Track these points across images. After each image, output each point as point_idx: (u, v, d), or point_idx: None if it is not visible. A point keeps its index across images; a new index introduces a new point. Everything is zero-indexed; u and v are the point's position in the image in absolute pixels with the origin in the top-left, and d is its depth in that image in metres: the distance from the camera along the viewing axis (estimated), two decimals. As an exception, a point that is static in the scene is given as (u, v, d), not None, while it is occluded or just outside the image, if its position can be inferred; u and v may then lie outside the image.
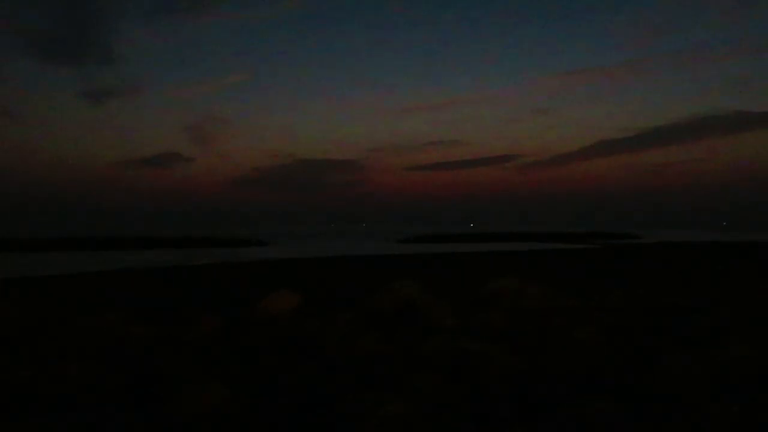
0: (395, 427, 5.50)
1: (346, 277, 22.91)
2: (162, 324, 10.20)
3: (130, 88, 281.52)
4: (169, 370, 7.54)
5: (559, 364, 7.49)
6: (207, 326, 9.66)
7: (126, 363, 7.87)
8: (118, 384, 7.02)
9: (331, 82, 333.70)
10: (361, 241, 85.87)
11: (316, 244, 74.43)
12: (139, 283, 21.78)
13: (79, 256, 47.76)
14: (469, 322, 10.24)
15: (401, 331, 9.54)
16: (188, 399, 6.14)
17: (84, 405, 6.50)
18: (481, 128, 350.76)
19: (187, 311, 11.91)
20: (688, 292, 15.85)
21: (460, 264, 32.48)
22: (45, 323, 9.97)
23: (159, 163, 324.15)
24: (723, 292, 15.85)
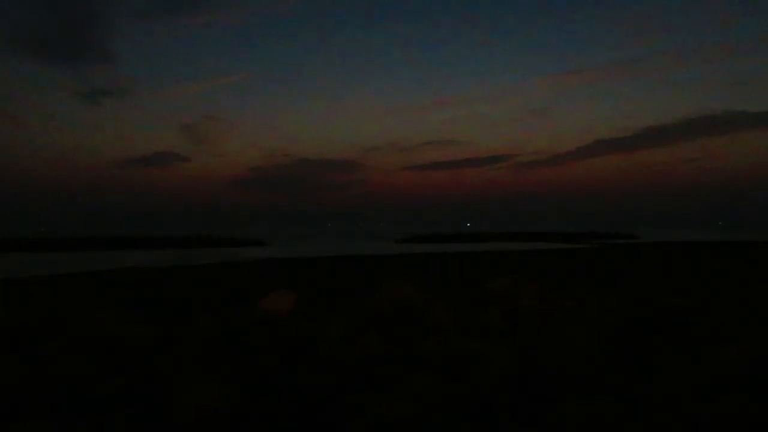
0: (394, 427, 5.52)
1: (344, 277, 22.92)
2: (160, 324, 10.20)
3: (126, 87, 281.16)
4: (167, 371, 7.55)
5: (556, 364, 7.52)
6: (205, 326, 9.67)
7: (124, 363, 7.88)
8: (115, 384, 7.03)
9: (329, 82, 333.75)
10: (359, 241, 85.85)
11: (314, 244, 74.40)
12: (136, 283, 21.76)
13: (75, 256, 47.67)
14: (467, 321, 10.27)
15: (399, 331, 9.56)
16: (187, 399, 6.16)
17: (81, 406, 6.51)
18: (478, 128, 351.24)
19: (185, 311, 11.91)
20: (686, 291, 15.90)
21: (458, 264, 32.51)
22: (42, 323, 9.96)
23: (156, 163, 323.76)
24: (721, 292, 15.90)
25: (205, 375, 7.26)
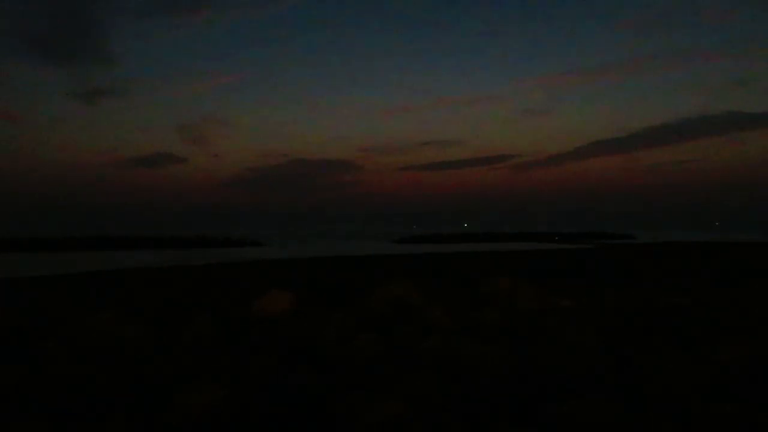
0: (392, 428, 5.48)
1: (342, 278, 22.88)
2: (157, 324, 10.16)
3: (122, 87, 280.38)
4: (165, 371, 7.51)
5: (554, 365, 7.49)
6: (202, 326, 9.63)
7: (122, 364, 7.83)
8: (113, 385, 6.98)
9: (326, 82, 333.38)
10: (357, 242, 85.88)
11: (311, 245, 74.40)
12: (133, 283, 21.70)
13: (72, 257, 47.58)
14: (464, 322, 10.24)
15: (398, 331, 9.53)
16: (183, 400, 6.11)
17: (79, 407, 6.46)
18: (475, 128, 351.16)
19: (182, 311, 11.86)
20: (684, 291, 15.90)
21: (455, 264, 32.51)
22: (37, 323, 9.92)
23: (152, 163, 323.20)
24: (719, 291, 15.90)
25: (203, 375, 7.22)
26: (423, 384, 6.66)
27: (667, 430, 5.41)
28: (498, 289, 12.41)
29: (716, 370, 6.92)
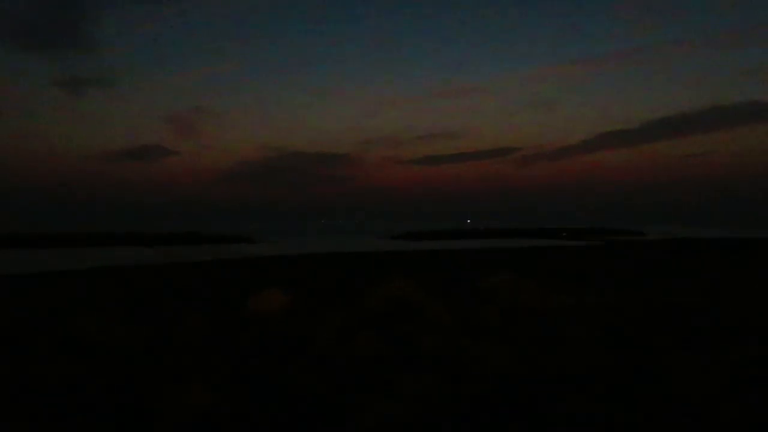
0: (391, 430, 5.57)
1: (338, 275, 22.95)
2: (148, 324, 10.23)
3: (110, 77, 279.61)
4: (155, 372, 7.59)
5: (557, 364, 7.57)
6: (193, 326, 9.70)
7: (111, 365, 7.91)
8: (102, 387, 7.06)
9: (323, 72, 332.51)
10: (353, 238, 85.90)
11: (307, 241, 74.43)
12: (122, 281, 21.77)
13: (58, 253, 47.59)
14: (466, 320, 10.32)
15: (396, 329, 9.61)
16: (175, 401, 6.20)
17: (66, 409, 6.54)
18: (479, 120, 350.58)
19: (173, 311, 11.94)
20: (694, 290, 15.96)
21: (456, 261, 32.58)
22: (23, 323, 9.98)
23: (141, 157, 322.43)
24: (731, 290, 15.96)
25: (195, 376, 7.30)
26: (423, 384, 6.74)
27: None
28: (499, 286, 12.49)
29: (727, 372, 6.97)
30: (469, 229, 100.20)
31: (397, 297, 10.92)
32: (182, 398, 6.21)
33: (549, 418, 5.83)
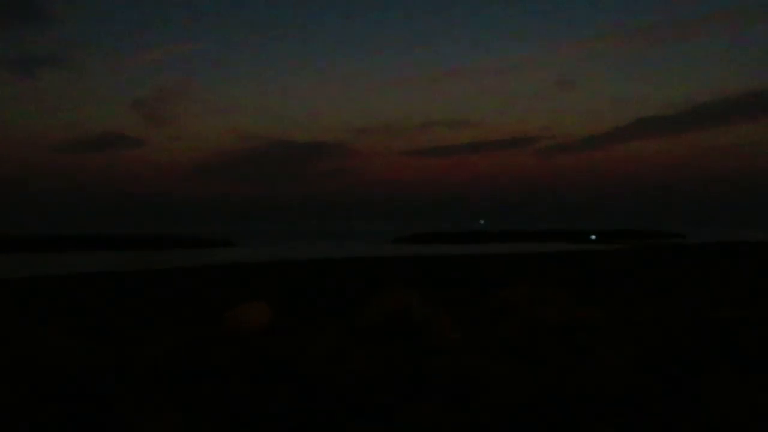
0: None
1: (331, 285, 22.96)
2: (110, 342, 10.22)
3: (67, 55, 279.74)
4: (116, 397, 7.57)
5: (583, 389, 7.56)
6: (163, 344, 9.68)
7: (66, 388, 7.89)
8: (57, 412, 7.04)
9: (313, 49, 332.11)
10: (349, 241, 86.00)
11: (294, 245, 74.47)
12: (81, 292, 21.76)
13: (7, 259, 47.59)
14: (477, 337, 10.31)
15: (397, 348, 9.60)
16: (139, 431, 6.17)
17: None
18: (494, 104, 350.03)
19: (140, 326, 11.94)
20: (743, 301, 15.95)
21: (467, 268, 32.58)
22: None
23: (100, 147, 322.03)
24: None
25: (161, 401, 7.28)
26: (428, 412, 6.73)
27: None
28: (518, 298, 12.48)
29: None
30: (482, 232, 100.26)
31: (399, 310, 10.90)
32: (147, 427, 6.19)
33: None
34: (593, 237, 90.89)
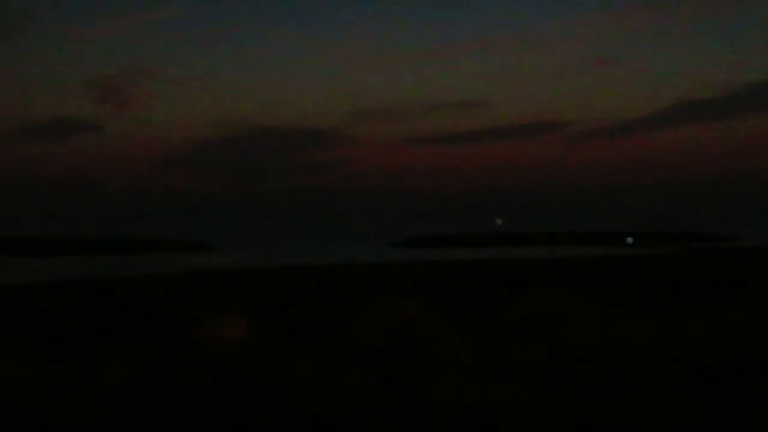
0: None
1: (321, 295, 22.97)
2: (66, 361, 10.21)
3: (12, 27, 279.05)
4: (75, 426, 7.57)
5: (619, 420, 7.55)
6: (124, 365, 9.68)
7: (13, 415, 7.88)
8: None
9: (298, 20, 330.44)
10: (342, 245, 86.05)
11: (278, 249, 74.50)
12: (34, 304, 21.76)
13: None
14: (491, 357, 10.31)
15: (399, 369, 9.60)
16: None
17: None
18: (514, 85, 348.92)
19: (101, 344, 11.93)
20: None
21: (480, 276, 32.59)
22: None
23: (53, 133, 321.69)
24: None
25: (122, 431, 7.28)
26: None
27: None
28: (541, 312, 12.47)
29: None
30: (499, 234, 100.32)
31: (402, 326, 10.91)
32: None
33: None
34: (630, 240, 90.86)
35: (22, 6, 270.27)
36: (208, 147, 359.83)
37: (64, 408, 8.22)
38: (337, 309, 18.24)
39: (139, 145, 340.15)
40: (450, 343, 10.51)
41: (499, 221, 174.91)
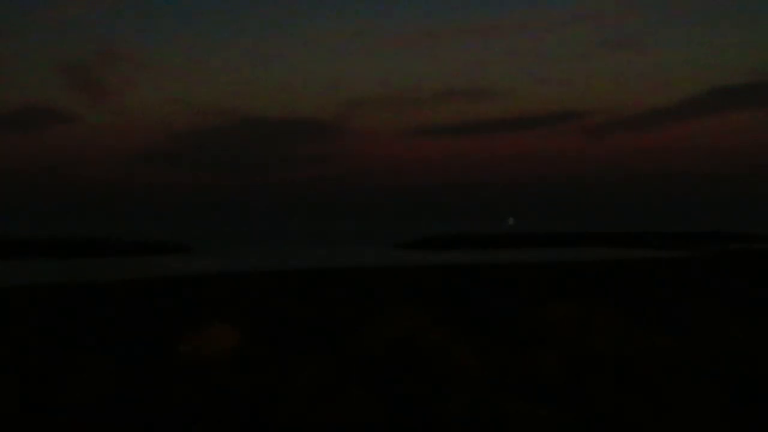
0: None
1: (316, 303, 22.99)
2: (37, 373, 10.24)
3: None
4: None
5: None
6: (103, 377, 9.71)
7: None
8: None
9: (294, 1, 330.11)
10: (340, 246, 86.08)
11: (269, 251, 74.52)
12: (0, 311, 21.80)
13: None
14: (503, 371, 10.33)
15: (400, 384, 9.63)
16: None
17: None
18: (527, 70, 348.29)
19: (75, 355, 11.95)
20: None
21: (491, 282, 32.62)
22: None
23: (23, 124, 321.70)
24: None
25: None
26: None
27: None
28: (558, 321, 12.51)
29: None
30: (511, 234, 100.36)
31: (404, 337, 10.94)
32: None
33: None
34: (654, 241, 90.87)
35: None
36: (191, 139, 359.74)
37: (37, 422, 8.25)
38: (334, 317, 18.27)
39: (117, 137, 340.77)
40: (457, 355, 10.54)
41: (510, 220, 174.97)
